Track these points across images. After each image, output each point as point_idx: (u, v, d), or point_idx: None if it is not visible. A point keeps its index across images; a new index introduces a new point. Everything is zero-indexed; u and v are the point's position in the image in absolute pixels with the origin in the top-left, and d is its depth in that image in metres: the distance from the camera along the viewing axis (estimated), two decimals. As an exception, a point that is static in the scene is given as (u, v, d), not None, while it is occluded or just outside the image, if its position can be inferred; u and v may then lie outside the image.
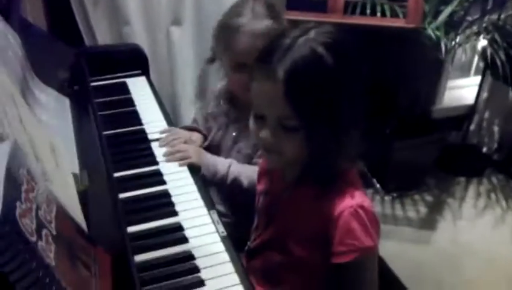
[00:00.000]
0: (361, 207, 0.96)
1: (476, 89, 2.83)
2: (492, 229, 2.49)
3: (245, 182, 1.34)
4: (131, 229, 1.05)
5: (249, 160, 1.40)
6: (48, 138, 0.94)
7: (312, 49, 0.90)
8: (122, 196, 1.14)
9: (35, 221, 0.61)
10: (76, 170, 1.04)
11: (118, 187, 1.11)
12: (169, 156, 1.32)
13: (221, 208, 1.47)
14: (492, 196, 2.75)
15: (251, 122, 1.00)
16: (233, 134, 1.45)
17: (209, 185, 1.46)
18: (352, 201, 0.96)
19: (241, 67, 1.28)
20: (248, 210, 1.21)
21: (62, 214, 0.71)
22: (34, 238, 0.60)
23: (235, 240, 1.06)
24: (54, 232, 0.65)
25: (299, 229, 1.04)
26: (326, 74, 0.91)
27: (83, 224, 0.81)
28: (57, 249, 0.63)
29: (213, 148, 1.49)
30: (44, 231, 0.63)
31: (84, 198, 0.95)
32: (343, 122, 0.93)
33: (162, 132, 1.43)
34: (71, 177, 0.94)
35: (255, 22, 1.29)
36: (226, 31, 1.34)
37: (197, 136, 1.51)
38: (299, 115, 0.91)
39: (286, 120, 0.93)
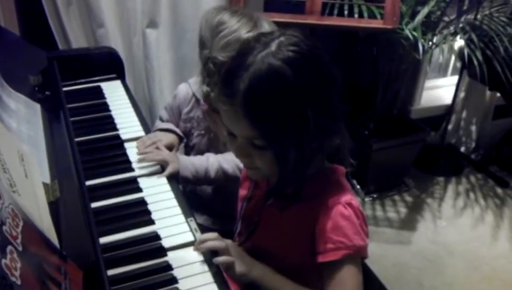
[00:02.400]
0: (349, 205, 0.95)
1: (453, 89, 2.86)
2: (472, 229, 2.51)
3: (229, 168, 1.35)
4: (105, 239, 1.02)
5: None
6: (16, 147, 0.90)
7: (269, 66, 0.86)
8: (96, 205, 1.10)
9: (-1, 237, 0.58)
10: (47, 180, 1.00)
11: (90, 196, 1.07)
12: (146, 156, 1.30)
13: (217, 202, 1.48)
14: (471, 195, 2.77)
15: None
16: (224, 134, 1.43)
17: (195, 185, 1.46)
18: (340, 199, 0.95)
19: None
20: None
21: (30, 229, 0.68)
22: (-3, 256, 0.56)
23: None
24: (20, 248, 0.62)
25: (286, 234, 1.02)
26: (286, 89, 0.86)
27: (53, 237, 0.77)
28: (23, 266, 0.60)
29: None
30: (8, 248, 0.59)
31: (55, 209, 0.91)
32: (313, 133, 0.89)
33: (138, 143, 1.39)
34: (41, 187, 0.90)
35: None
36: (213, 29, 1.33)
37: (173, 138, 1.48)
38: (262, 135, 0.88)
39: (253, 139, 0.90)
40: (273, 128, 0.87)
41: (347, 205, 0.95)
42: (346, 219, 0.94)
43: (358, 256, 0.96)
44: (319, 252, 0.95)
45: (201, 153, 1.45)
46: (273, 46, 0.88)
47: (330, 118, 0.92)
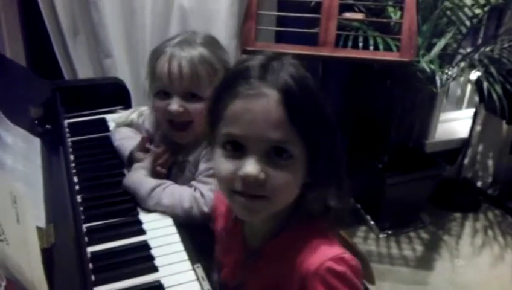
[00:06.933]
0: (341, 259, 0.80)
1: (468, 122, 2.78)
2: (492, 269, 2.40)
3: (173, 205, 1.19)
4: (103, 289, 0.93)
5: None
6: (8, 188, 0.83)
7: (296, 68, 0.81)
8: (94, 248, 1.02)
9: (-26, 303, 0.50)
10: (43, 223, 0.92)
11: (89, 239, 0.99)
12: None
13: None
14: (490, 232, 2.66)
15: (219, 155, 0.83)
16: (180, 159, 1.35)
17: None
18: (327, 252, 0.81)
19: (162, 93, 1.26)
20: None
21: (13, 289, 0.60)
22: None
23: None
24: (0, 314, 0.54)
25: None
26: (315, 93, 0.82)
27: (43, 292, 0.69)
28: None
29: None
30: (-15, 316, 0.51)
31: (49, 256, 0.83)
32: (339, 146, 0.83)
33: None
34: (35, 233, 0.82)
35: (182, 48, 1.24)
36: (152, 55, 1.30)
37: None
38: (299, 136, 0.78)
39: (284, 144, 0.78)
40: (312, 130, 0.79)
41: (339, 259, 0.80)
42: (337, 276, 0.79)
43: None
44: None
45: None
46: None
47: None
